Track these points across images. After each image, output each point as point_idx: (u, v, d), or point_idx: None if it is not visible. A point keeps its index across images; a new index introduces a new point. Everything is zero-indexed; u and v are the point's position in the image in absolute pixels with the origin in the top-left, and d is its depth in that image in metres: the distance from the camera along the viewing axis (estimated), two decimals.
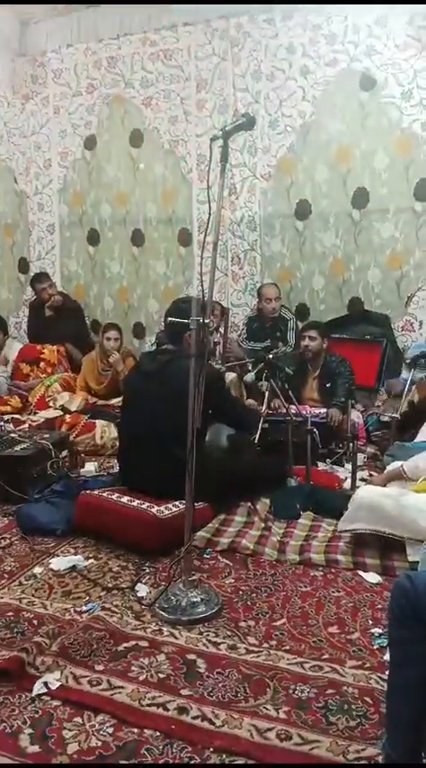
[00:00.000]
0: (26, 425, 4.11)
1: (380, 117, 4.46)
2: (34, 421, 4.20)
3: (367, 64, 4.44)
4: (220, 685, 1.76)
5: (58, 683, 1.76)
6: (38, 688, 1.74)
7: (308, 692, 1.73)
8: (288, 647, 1.94)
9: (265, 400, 3.59)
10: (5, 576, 2.43)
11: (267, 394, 3.61)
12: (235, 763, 1.49)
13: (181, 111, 5.07)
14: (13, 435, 3.52)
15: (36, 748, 1.53)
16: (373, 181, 4.54)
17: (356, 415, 3.94)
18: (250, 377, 3.45)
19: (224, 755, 1.51)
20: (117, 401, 4.10)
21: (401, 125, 4.41)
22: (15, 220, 5.89)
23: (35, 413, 4.39)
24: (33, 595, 2.27)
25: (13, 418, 4.30)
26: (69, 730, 1.59)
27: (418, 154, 4.39)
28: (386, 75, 4.40)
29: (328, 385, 3.99)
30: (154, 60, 5.11)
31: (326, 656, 1.90)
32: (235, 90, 4.85)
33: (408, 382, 3.87)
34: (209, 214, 2.10)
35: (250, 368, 3.78)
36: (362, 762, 1.48)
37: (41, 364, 5.00)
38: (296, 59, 4.63)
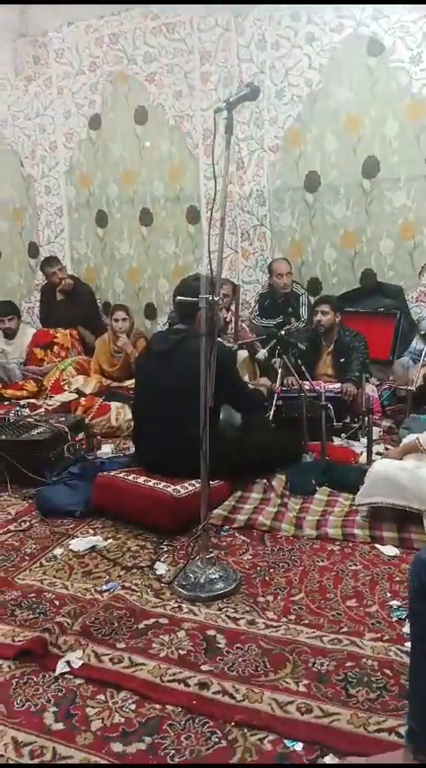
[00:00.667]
0: (42, 409, 4.14)
1: (389, 83, 4.35)
2: (50, 405, 4.23)
3: (374, 28, 4.32)
4: (240, 660, 1.78)
5: (81, 662, 1.79)
6: (61, 667, 1.76)
7: (328, 666, 1.74)
8: (306, 621, 1.95)
9: (278, 377, 3.57)
10: (27, 558, 2.46)
11: (280, 371, 3.59)
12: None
13: (185, 86, 4.99)
14: (29, 420, 3.55)
15: (60, 726, 1.56)
16: (384, 149, 4.45)
17: (371, 389, 3.91)
18: (262, 354, 3.42)
19: (245, 729, 1.53)
20: (130, 383, 4.11)
21: (411, 90, 4.31)
22: (23, 204, 5.87)
23: (50, 397, 4.41)
24: (54, 576, 2.31)
25: (29, 403, 4.33)
26: (92, 708, 1.62)
27: None
28: (394, 40, 4.28)
29: (342, 360, 3.95)
30: (156, 34, 5.02)
31: (345, 630, 1.90)
32: (239, 61, 4.75)
33: (424, 354, 3.82)
34: (215, 190, 2.07)
35: (258, 346, 3.75)
36: (383, 732, 1.49)
37: (55, 348, 5.02)
38: (301, 26, 4.52)
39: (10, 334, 5.07)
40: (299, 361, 3.56)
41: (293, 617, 1.98)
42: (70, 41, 5.37)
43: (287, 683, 1.68)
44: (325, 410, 3.31)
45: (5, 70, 5.64)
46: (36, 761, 1.46)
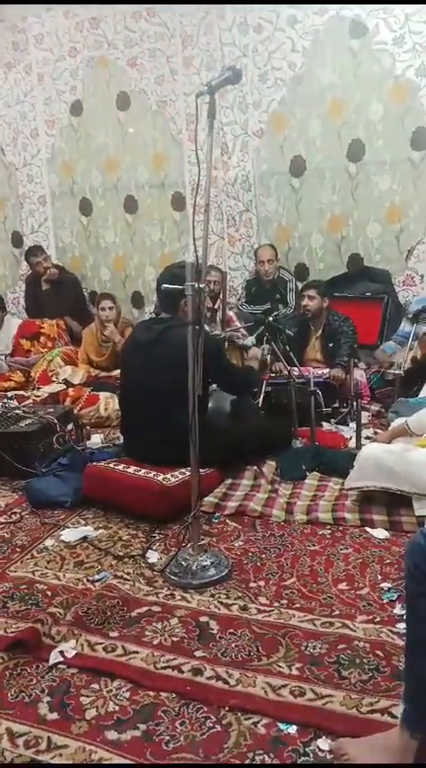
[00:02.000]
0: (30, 401, 4.11)
1: (372, 65, 4.33)
2: (38, 396, 4.20)
3: (356, 10, 4.28)
4: (233, 645, 1.79)
5: (74, 652, 1.79)
6: (54, 657, 1.76)
7: (320, 648, 1.76)
8: (298, 606, 1.97)
9: (267, 363, 3.57)
10: (18, 549, 2.45)
11: (269, 357, 3.59)
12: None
13: (167, 70, 4.93)
14: (17, 411, 3.52)
15: (55, 715, 1.56)
16: (368, 132, 4.43)
17: (359, 374, 3.92)
18: (250, 341, 3.42)
19: (239, 714, 1.54)
20: (118, 372, 4.09)
21: (394, 72, 4.28)
22: (5, 194, 5.80)
23: (38, 388, 4.39)
24: (46, 567, 2.30)
25: (16, 394, 4.30)
26: (87, 696, 1.62)
27: (413, 102, 4.27)
28: (377, 21, 4.25)
29: (331, 345, 3.96)
30: (137, 19, 4.95)
31: (337, 613, 1.92)
32: (221, 44, 4.70)
33: (411, 337, 3.84)
34: (199, 175, 2.05)
35: (244, 334, 3.74)
36: (376, 713, 1.51)
37: (41, 339, 4.98)
38: (282, 9, 4.48)
39: None
40: (287, 347, 3.56)
41: (285, 601, 1.99)
42: (50, 27, 5.28)
43: (280, 666, 1.69)
44: (314, 396, 3.32)
45: None
46: (31, 751, 1.46)
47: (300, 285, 4.52)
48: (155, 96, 5.01)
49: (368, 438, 3.24)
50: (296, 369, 3.51)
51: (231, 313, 4.36)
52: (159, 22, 4.87)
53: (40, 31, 5.31)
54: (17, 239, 5.84)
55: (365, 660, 1.70)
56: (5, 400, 3.95)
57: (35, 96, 5.46)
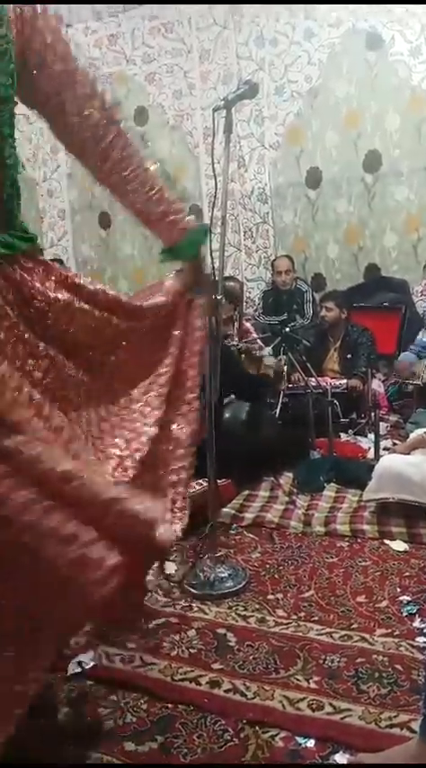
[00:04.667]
0: None
1: (389, 76, 4.34)
2: None
3: (372, 22, 4.30)
4: (251, 658, 1.78)
5: (92, 663, 1.79)
6: (72, 668, 1.77)
7: (338, 662, 1.74)
8: (316, 618, 1.95)
9: (284, 374, 3.57)
10: None
11: (286, 368, 3.59)
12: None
13: (184, 85, 4.99)
14: None
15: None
16: (385, 143, 4.44)
17: (377, 384, 3.91)
18: (267, 351, 3.43)
19: (257, 727, 1.53)
20: None
21: (411, 83, 4.29)
22: (26, 208, 5.85)
23: None
24: None
25: None
26: (105, 707, 1.63)
27: None
28: (393, 33, 4.26)
29: (349, 356, 3.95)
30: (154, 35, 5.02)
31: (355, 626, 1.90)
32: (238, 59, 4.75)
33: None
34: (216, 188, 2.07)
35: (260, 343, 3.75)
36: (395, 728, 1.49)
37: None
38: (299, 22, 4.51)
39: None
40: (304, 358, 3.55)
41: (303, 614, 1.98)
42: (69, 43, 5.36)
43: (298, 680, 1.68)
44: (332, 406, 3.30)
45: None
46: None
47: (317, 296, 4.53)
48: (173, 111, 5.07)
49: (386, 449, 3.22)
50: (313, 379, 3.50)
51: (248, 324, 4.37)
52: (176, 38, 4.94)
53: None
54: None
55: (384, 674, 1.68)
56: None
57: None
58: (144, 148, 5.20)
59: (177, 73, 5.00)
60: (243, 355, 3.76)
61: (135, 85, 5.19)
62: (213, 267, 2.14)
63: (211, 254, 2.19)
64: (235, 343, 3.76)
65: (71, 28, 5.31)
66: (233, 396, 3.21)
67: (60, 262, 5.41)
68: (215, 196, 2.08)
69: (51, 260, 5.50)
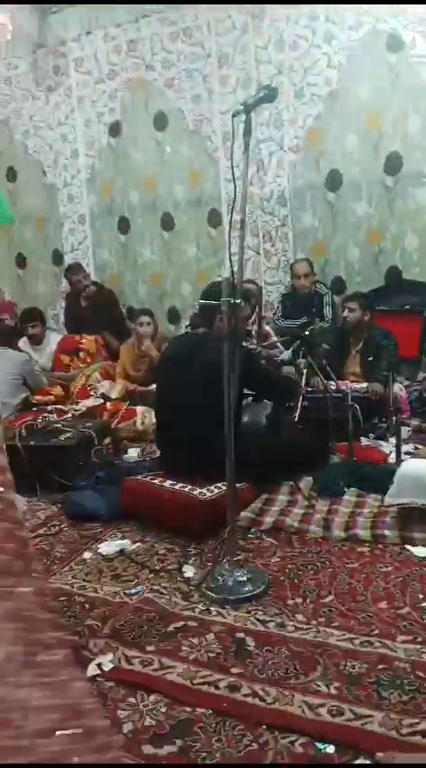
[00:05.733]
0: (69, 415, 4.18)
1: (410, 78, 4.30)
2: (77, 410, 4.26)
3: (393, 24, 4.28)
4: (270, 663, 1.77)
5: (112, 665, 1.80)
6: (92, 670, 1.78)
7: (359, 668, 1.72)
8: (336, 624, 1.93)
9: (303, 377, 3.55)
10: (57, 561, 2.49)
11: (305, 371, 3.57)
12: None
13: (204, 90, 5.00)
14: (57, 425, 3.59)
15: None
16: (406, 145, 4.40)
17: (398, 388, 3.87)
18: (286, 355, 3.41)
19: (276, 732, 1.52)
20: (155, 387, 4.13)
21: None
22: (47, 214, 5.95)
23: (77, 402, 4.45)
24: (84, 580, 2.33)
25: (56, 408, 4.38)
26: (124, 710, 1.63)
27: None
28: (414, 35, 4.23)
29: (371, 359, 3.91)
30: (174, 40, 5.05)
31: (376, 632, 1.88)
32: (257, 63, 4.75)
33: None
34: (235, 192, 2.08)
35: (280, 347, 3.75)
36: (416, 735, 1.47)
37: (81, 354, 5.07)
38: (318, 25, 4.50)
39: (35, 341, 5.14)
40: (324, 361, 3.53)
41: (323, 619, 1.96)
42: (89, 50, 5.43)
43: (318, 685, 1.67)
44: (352, 410, 3.28)
45: (27, 81, 5.74)
46: None
47: (337, 299, 4.50)
48: (192, 115, 5.08)
49: (407, 453, 3.18)
50: (333, 383, 3.48)
51: (268, 328, 4.36)
52: (195, 43, 4.96)
53: (80, 54, 5.47)
54: (57, 257, 5.99)
55: (405, 681, 1.66)
56: (45, 414, 4.02)
57: (75, 118, 5.61)
58: (163, 153, 5.25)
59: (196, 78, 5.01)
60: (263, 361, 3.76)
61: (154, 91, 5.22)
62: (232, 271, 2.14)
63: (230, 258, 2.20)
64: (253, 346, 3.75)
65: (91, 34, 5.37)
66: (250, 399, 3.21)
67: (79, 266, 5.47)
68: (234, 200, 2.08)
69: (71, 264, 5.56)
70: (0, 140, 6.00)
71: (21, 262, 6.22)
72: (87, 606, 2.13)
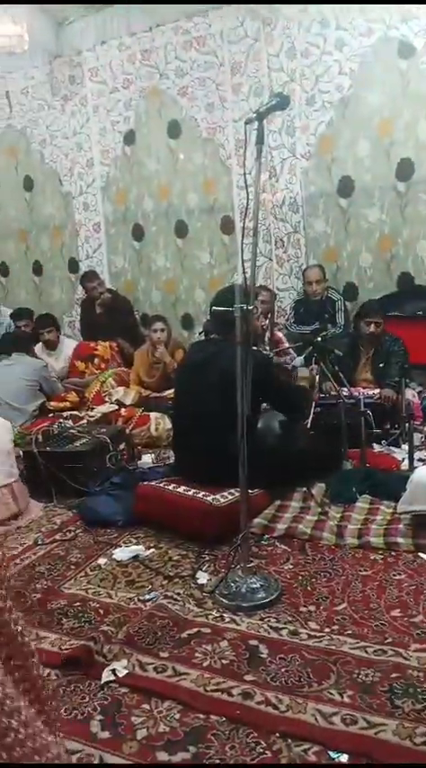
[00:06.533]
0: (84, 421, 4.22)
1: (421, 84, 4.30)
2: (91, 416, 4.30)
3: (404, 30, 4.28)
4: (283, 670, 1.78)
5: (126, 671, 1.81)
6: (106, 675, 1.80)
7: (372, 677, 1.72)
8: (350, 632, 1.94)
9: (316, 384, 3.56)
10: (72, 567, 2.51)
11: (317, 377, 3.58)
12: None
13: (216, 98, 5.03)
14: (72, 431, 3.62)
15: (107, 734, 1.59)
16: (418, 151, 4.39)
17: (411, 394, 3.86)
18: (298, 361, 3.42)
19: (289, 740, 1.52)
20: (169, 393, 4.15)
21: None
22: (63, 221, 6.02)
23: (92, 408, 4.49)
24: (99, 585, 2.35)
25: (71, 414, 4.42)
26: (138, 716, 1.64)
27: None
28: (425, 41, 4.23)
29: (381, 365, 3.91)
30: (187, 49, 5.09)
31: (390, 640, 1.88)
32: (269, 71, 4.78)
33: None
34: (247, 199, 2.09)
35: (292, 353, 3.75)
36: None
37: (95, 360, 5.11)
38: (330, 33, 4.52)
39: (50, 347, 5.19)
40: (337, 367, 3.53)
41: (336, 627, 1.97)
42: (104, 60, 5.48)
43: (331, 693, 1.67)
44: (364, 416, 3.28)
45: (43, 91, 5.81)
46: None
47: (349, 305, 4.49)
48: (205, 123, 5.12)
49: (420, 460, 3.18)
50: (345, 389, 3.48)
51: (280, 334, 4.37)
52: (208, 51, 5.00)
53: (95, 64, 5.53)
54: (73, 265, 6.04)
55: (419, 689, 1.66)
56: (61, 420, 4.07)
57: (90, 127, 5.67)
58: (176, 161, 5.28)
59: (209, 86, 5.05)
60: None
61: (168, 99, 5.26)
62: (245, 277, 2.16)
63: (243, 265, 2.22)
64: (266, 352, 3.76)
65: (106, 44, 5.43)
66: (265, 404, 3.21)
67: (94, 273, 5.52)
68: (246, 207, 2.10)
69: (86, 272, 5.61)
70: (17, 150, 6.08)
71: (37, 269, 6.29)
72: (102, 612, 2.15)
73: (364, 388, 3.80)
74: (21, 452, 3.35)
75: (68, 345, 5.31)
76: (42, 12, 5.27)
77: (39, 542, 2.76)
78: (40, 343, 5.16)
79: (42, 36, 5.44)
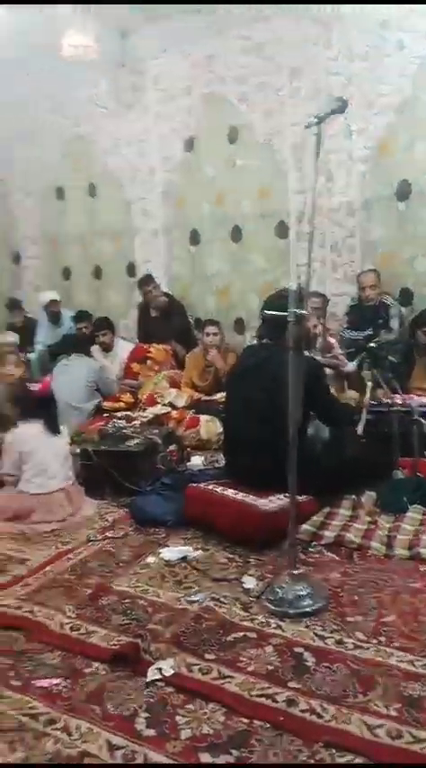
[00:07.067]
0: (137, 421, 4.29)
1: None
2: (144, 417, 4.37)
3: None
4: (328, 679, 1.77)
5: (172, 671, 1.84)
6: (152, 674, 1.83)
7: (420, 691, 1.69)
8: (397, 644, 1.91)
9: (368, 390, 3.50)
10: (122, 564, 2.57)
11: (370, 384, 3.52)
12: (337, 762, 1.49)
13: (275, 103, 5.04)
14: (125, 431, 3.71)
15: (152, 732, 1.61)
16: None
17: None
18: (351, 367, 3.38)
19: (333, 750, 1.52)
20: (220, 396, 4.18)
21: None
22: (123, 227, 6.14)
23: (144, 409, 4.56)
24: (147, 584, 2.39)
25: (125, 415, 4.51)
26: (182, 716, 1.66)
27: None
28: None
29: None
30: (247, 55, 5.11)
31: None
32: (327, 74, 4.74)
33: None
34: (305, 204, 2.09)
35: (343, 358, 3.71)
36: None
37: (149, 362, 5.19)
38: (389, 35, 4.45)
39: (106, 349, 5.31)
40: (390, 375, 3.47)
41: (383, 639, 1.94)
42: (166, 68, 5.57)
43: (377, 705, 1.65)
44: (417, 425, 3.21)
45: (107, 100, 5.95)
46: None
47: (404, 310, 4.40)
48: (263, 129, 5.13)
49: None
50: (398, 396, 3.41)
51: (332, 340, 4.33)
52: (267, 57, 5.01)
53: (157, 72, 5.63)
54: (131, 269, 6.17)
55: None
56: (115, 420, 4.15)
57: (152, 134, 5.77)
58: (234, 166, 5.31)
59: (267, 91, 5.06)
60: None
61: (227, 105, 5.30)
62: (299, 282, 2.16)
63: (297, 270, 2.22)
64: (318, 357, 3.73)
65: (167, 52, 5.51)
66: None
67: (150, 277, 5.61)
68: (302, 211, 2.09)
69: (143, 276, 5.70)
70: (83, 157, 6.25)
71: (97, 273, 6.45)
72: (150, 610, 2.19)
73: (418, 395, 3.72)
74: (77, 450, 3.46)
75: (123, 348, 5.42)
76: (107, 23, 5.39)
77: (92, 539, 2.83)
78: (97, 345, 5.29)
79: (107, 46, 5.57)
